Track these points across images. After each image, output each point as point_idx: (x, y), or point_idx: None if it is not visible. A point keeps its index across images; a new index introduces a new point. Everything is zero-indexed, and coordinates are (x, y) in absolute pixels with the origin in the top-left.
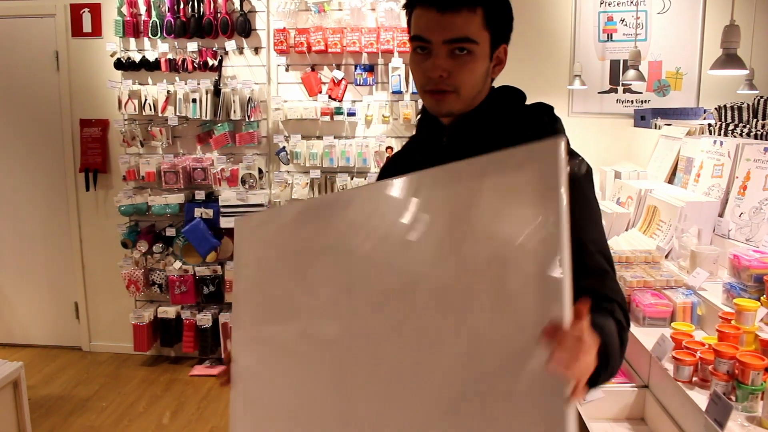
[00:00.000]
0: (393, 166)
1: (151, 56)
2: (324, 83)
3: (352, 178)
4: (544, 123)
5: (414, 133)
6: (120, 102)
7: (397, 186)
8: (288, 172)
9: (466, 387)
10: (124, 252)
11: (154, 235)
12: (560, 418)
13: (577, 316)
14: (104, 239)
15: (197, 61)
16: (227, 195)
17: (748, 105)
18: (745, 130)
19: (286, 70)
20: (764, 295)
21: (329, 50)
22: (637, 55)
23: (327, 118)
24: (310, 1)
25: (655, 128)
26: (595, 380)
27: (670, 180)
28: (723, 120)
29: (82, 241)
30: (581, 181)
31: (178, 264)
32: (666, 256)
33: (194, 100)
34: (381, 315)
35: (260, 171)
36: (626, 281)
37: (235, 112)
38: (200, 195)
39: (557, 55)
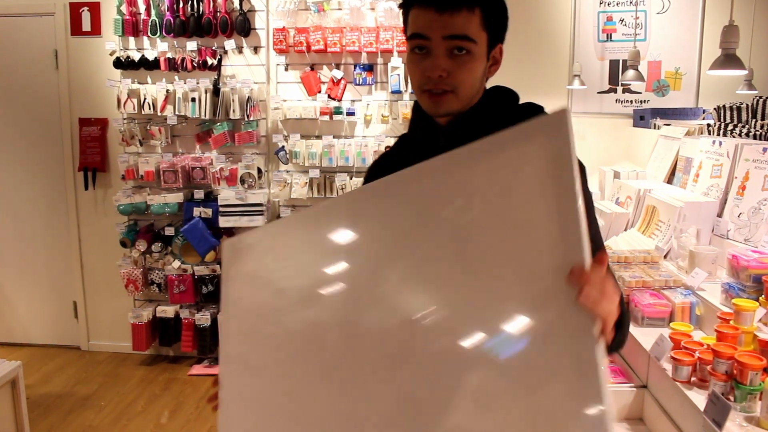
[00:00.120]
0: (387, 166)
1: (151, 55)
2: (323, 83)
3: (351, 178)
4: None
5: (405, 132)
6: (119, 101)
7: (407, 174)
8: (287, 171)
9: (494, 337)
10: (122, 251)
11: (153, 235)
12: (591, 356)
13: (600, 262)
14: (103, 238)
15: (196, 60)
16: (226, 194)
17: (747, 105)
18: (744, 131)
19: (286, 69)
20: (763, 296)
21: (328, 50)
22: (636, 55)
23: (326, 118)
24: (309, 1)
25: (654, 128)
26: (611, 345)
27: (669, 180)
28: (722, 120)
29: (80, 240)
30: (583, 172)
31: (176, 263)
32: (665, 256)
33: (193, 100)
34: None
35: (259, 170)
36: (625, 281)
37: (234, 111)
38: (199, 194)
39: (557, 54)
